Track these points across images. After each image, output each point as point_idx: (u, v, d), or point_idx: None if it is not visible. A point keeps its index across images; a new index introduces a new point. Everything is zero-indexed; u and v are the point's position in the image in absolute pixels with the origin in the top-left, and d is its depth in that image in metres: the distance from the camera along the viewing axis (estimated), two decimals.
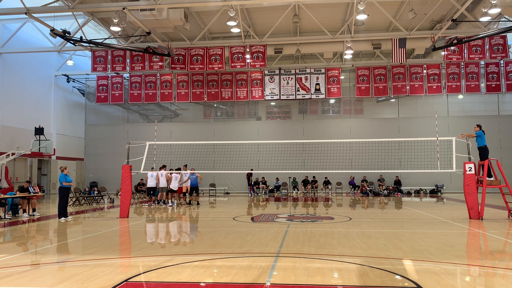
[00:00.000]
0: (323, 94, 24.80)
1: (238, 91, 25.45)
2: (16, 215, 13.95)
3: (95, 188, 22.88)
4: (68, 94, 29.23)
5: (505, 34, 20.76)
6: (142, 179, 22.53)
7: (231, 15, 18.39)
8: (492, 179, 12.41)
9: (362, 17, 18.16)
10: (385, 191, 25.12)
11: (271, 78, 25.09)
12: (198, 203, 18.30)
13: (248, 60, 22.96)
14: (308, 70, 24.99)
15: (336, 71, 24.90)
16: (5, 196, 13.44)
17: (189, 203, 18.46)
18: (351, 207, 17.45)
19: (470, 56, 21.86)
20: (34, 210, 14.36)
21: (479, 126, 12.92)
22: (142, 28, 20.16)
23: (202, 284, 5.38)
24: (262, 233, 9.94)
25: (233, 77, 25.58)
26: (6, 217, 13.27)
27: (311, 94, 24.81)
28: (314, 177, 26.20)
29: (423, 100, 27.35)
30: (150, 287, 5.32)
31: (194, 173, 18.34)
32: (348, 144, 21.74)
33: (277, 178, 26.83)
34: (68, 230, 10.96)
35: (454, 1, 18.55)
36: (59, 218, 12.83)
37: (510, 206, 12.32)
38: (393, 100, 28.02)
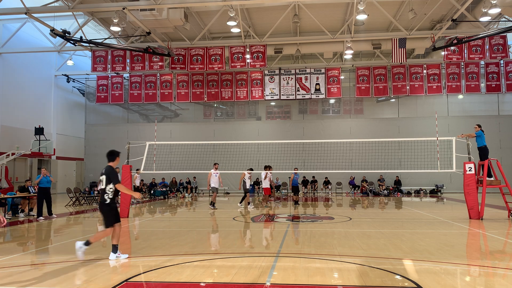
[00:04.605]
0: (323, 94, 24.79)
1: (238, 91, 25.43)
2: (16, 215, 13.97)
3: (95, 188, 22.85)
4: (68, 94, 29.24)
5: (505, 34, 20.75)
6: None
7: (231, 15, 18.39)
8: (492, 179, 12.40)
9: (362, 17, 18.16)
10: (385, 191, 25.11)
11: (271, 78, 25.08)
12: (296, 203, 17.92)
13: (248, 60, 22.94)
14: (308, 70, 24.98)
15: (336, 71, 24.89)
16: (5, 196, 13.46)
17: (296, 203, 18.08)
18: (351, 207, 17.44)
19: (470, 56, 21.84)
20: (31, 210, 14.42)
21: (479, 126, 12.91)
22: (142, 28, 20.16)
23: (202, 284, 5.37)
24: (262, 233, 9.93)
25: (233, 77, 25.57)
26: (6, 217, 13.28)
27: (311, 94, 24.80)
28: (314, 177, 26.19)
29: (423, 100, 27.34)
30: (150, 287, 5.32)
31: (297, 172, 18.06)
32: (348, 144, 21.74)
33: (277, 178, 26.80)
34: (68, 230, 10.96)
35: (454, 1, 18.55)
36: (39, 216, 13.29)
37: (510, 206, 12.31)
38: (393, 100, 28.02)
